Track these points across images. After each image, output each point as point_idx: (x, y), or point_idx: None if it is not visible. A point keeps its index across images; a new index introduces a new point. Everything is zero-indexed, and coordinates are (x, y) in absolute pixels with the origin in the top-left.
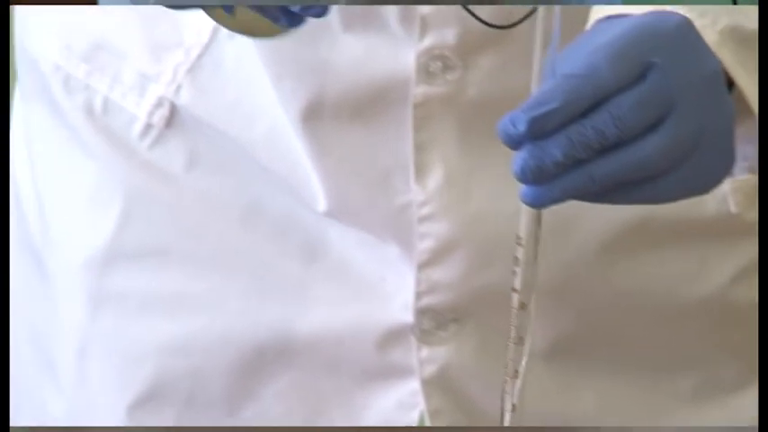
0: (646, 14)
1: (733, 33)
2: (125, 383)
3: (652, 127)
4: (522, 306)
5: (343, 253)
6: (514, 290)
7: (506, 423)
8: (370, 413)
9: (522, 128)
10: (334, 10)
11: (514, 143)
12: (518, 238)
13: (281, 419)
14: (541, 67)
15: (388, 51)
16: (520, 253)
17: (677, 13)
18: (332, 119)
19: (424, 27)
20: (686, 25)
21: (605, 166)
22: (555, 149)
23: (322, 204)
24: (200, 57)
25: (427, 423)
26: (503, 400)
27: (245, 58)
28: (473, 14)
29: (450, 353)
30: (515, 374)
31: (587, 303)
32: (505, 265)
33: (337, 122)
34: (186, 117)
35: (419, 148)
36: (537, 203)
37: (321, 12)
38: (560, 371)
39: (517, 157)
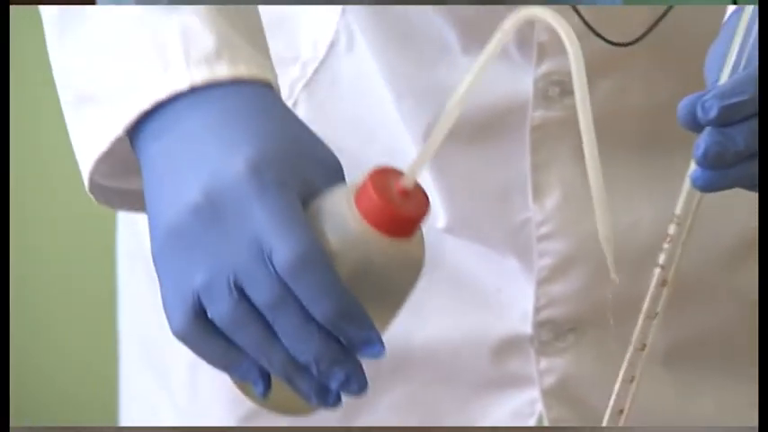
0: None
1: None
2: (237, 396)
3: None
4: (664, 283)
5: (460, 264)
6: (659, 265)
7: (618, 423)
8: (484, 423)
9: (712, 114)
10: (453, 33)
11: (697, 127)
12: (674, 215)
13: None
14: (734, 57)
15: (506, 75)
16: (672, 229)
17: None
18: (451, 140)
19: (542, 53)
20: None
21: None
22: (739, 139)
23: (442, 221)
24: (316, 72)
25: None
26: (613, 402)
27: (363, 73)
28: (596, 33)
29: (568, 363)
30: (632, 379)
31: (707, 307)
32: (624, 276)
33: (456, 143)
34: None
35: (536, 169)
36: (707, 188)
37: (360, 388)
38: (678, 374)
39: (701, 141)
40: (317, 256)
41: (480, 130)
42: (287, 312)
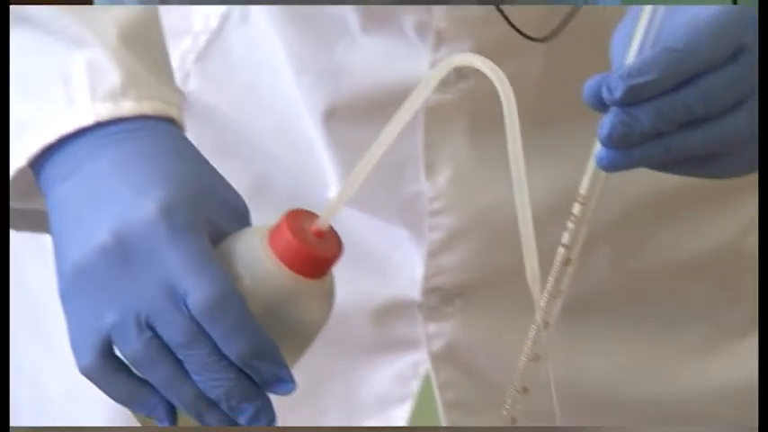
0: None
1: None
2: None
3: (733, 107)
4: (568, 262)
5: (349, 230)
6: (563, 245)
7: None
8: (368, 386)
9: (617, 94)
10: (354, 13)
11: (602, 107)
12: (579, 195)
13: None
14: (640, 36)
15: (403, 57)
16: (577, 209)
17: None
18: (347, 116)
19: (440, 39)
20: None
21: (683, 141)
22: (644, 119)
23: (335, 192)
24: (209, 44)
25: (436, 395)
26: (516, 382)
27: (257, 45)
28: (513, 26)
29: (456, 327)
30: (536, 358)
31: (598, 266)
32: (511, 248)
33: (352, 119)
34: (193, 102)
35: (429, 147)
36: (611, 167)
37: (268, 423)
38: (568, 334)
39: (606, 121)
40: (231, 297)
41: (376, 106)
42: (199, 351)
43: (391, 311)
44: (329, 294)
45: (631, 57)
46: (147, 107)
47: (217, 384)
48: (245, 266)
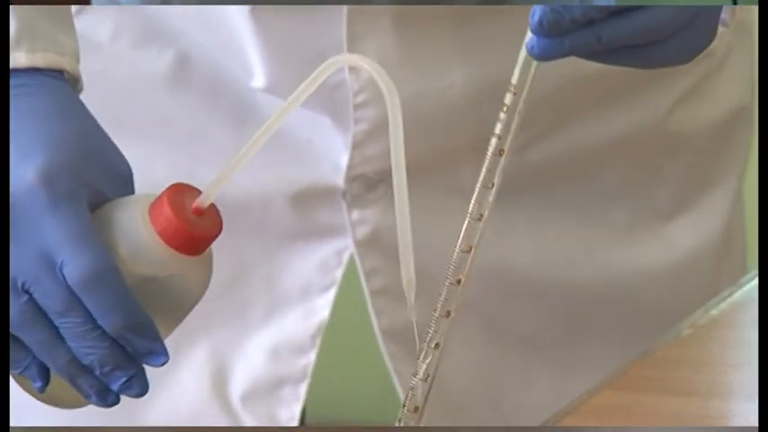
0: None
1: None
2: None
3: None
4: (500, 152)
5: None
6: (496, 135)
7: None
8: (291, 274)
9: None
10: None
11: None
12: (510, 84)
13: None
14: None
15: None
16: (508, 99)
17: None
18: (272, 7)
19: None
20: None
21: (613, 29)
22: (575, 7)
23: (260, 81)
24: None
25: (362, 283)
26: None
27: None
28: None
29: (380, 213)
30: (469, 250)
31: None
32: (433, 136)
33: (277, 9)
34: None
35: (352, 41)
36: (543, 56)
37: (141, 392)
38: (496, 217)
39: (536, 9)
40: (108, 271)
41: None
42: (74, 320)
43: (313, 197)
44: (206, 270)
45: None
46: (39, 59)
47: (90, 352)
48: (123, 237)
